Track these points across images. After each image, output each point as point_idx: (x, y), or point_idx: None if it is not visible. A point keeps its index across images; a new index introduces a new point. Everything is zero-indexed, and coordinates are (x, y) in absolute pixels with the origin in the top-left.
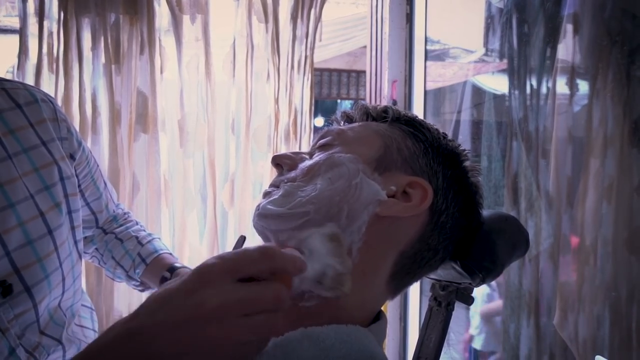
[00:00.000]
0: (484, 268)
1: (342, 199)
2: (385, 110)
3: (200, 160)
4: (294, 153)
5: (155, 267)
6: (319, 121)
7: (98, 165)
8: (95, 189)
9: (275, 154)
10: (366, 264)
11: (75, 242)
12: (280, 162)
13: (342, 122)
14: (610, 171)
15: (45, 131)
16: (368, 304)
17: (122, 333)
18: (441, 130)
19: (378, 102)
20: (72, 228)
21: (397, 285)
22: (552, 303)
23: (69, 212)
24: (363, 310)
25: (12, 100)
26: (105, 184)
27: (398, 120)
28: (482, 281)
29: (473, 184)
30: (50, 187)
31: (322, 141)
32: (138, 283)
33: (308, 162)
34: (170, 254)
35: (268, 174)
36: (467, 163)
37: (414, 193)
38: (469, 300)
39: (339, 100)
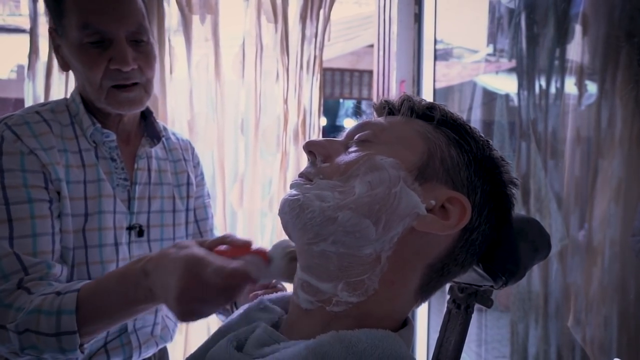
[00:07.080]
0: (507, 271)
1: (381, 207)
2: (430, 108)
3: (209, 161)
4: (327, 141)
5: None
6: (322, 121)
7: (210, 197)
8: (204, 212)
9: (309, 140)
10: (394, 273)
11: (187, 235)
12: (315, 151)
13: (384, 112)
14: (618, 172)
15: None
16: (396, 311)
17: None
18: (484, 137)
19: None
20: (187, 223)
21: (425, 295)
22: (560, 304)
23: (187, 210)
24: (390, 317)
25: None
26: (212, 215)
27: (444, 123)
28: (505, 284)
29: (509, 200)
30: (183, 195)
31: (360, 135)
32: None
33: (345, 158)
34: None
35: (277, 174)
36: (505, 176)
37: (453, 210)
38: (488, 303)
39: (342, 100)
